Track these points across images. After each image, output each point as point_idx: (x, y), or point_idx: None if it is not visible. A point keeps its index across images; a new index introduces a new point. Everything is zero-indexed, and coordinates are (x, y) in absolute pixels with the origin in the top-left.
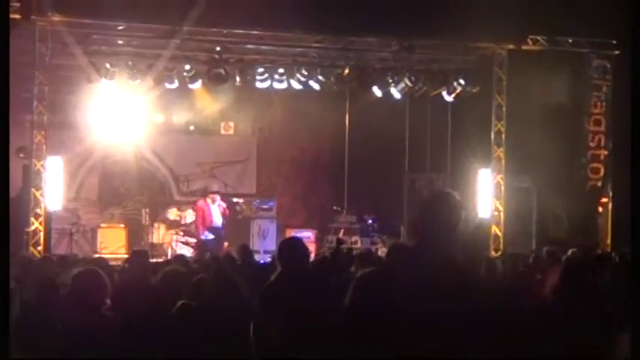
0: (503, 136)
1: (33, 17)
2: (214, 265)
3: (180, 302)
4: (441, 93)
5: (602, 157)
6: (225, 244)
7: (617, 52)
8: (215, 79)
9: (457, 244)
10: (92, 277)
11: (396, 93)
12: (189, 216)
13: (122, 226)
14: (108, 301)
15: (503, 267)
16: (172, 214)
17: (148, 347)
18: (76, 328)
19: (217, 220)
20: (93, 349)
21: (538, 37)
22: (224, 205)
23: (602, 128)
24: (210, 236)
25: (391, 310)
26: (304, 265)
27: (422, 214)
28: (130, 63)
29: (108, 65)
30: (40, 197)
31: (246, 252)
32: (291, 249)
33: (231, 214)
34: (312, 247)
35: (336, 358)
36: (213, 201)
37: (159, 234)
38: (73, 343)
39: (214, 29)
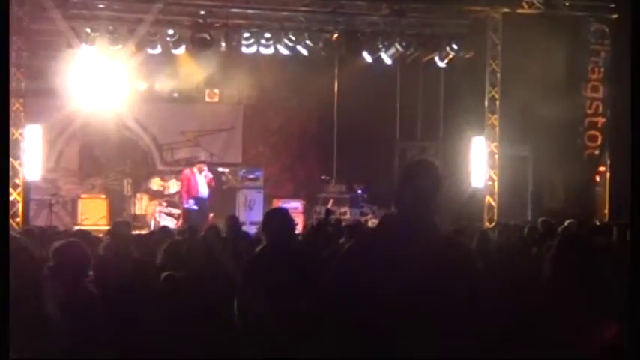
0: (498, 103)
1: None
2: (198, 238)
3: (165, 273)
4: (433, 58)
5: (599, 125)
6: (211, 215)
7: (615, 15)
8: (199, 45)
9: (439, 214)
10: (74, 250)
11: (386, 58)
12: (173, 186)
13: (103, 197)
14: (90, 273)
15: (498, 238)
16: (155, 184)
17: (133, 319)
18: (59, 301)
19: (203, 190)
20: (77, 321)
21: (534, 0)
22: (210, 175)
23: (600, 95)
24: (194, 207)
25: (372, 286)
26: (290, 237)
27: (399, 184)
28: (110, 28)
29: (88, 30)
30: (18, 167)
31: (235, 223)
32: (276, 220)
33: (217, 185)
34: (300, 218)
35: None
36: (200, 171)
37: (141, 205)
38: (56, 317)
39: None
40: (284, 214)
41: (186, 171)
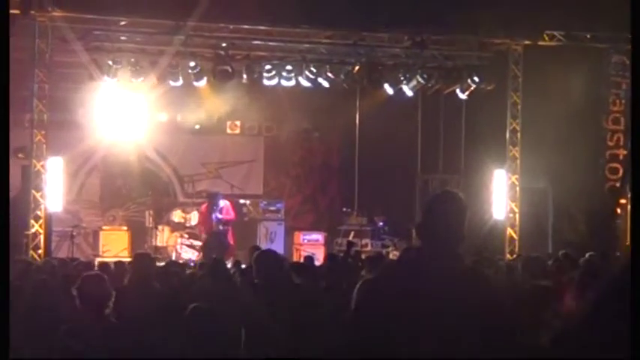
0: (519, 135)
1: (32, 12)
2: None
3: (192, 305)
4: (454, 90)
5: (621, 157)
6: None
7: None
8: (221, 77)
9: (464, 245)
10: (97, 282)
11: (408, 90)
12: (194, 218)
13: (125, 228)
14: (110, 305)
15: (521, 270)
16: (177, 216)
17: (154, 351)
18: (82, 333)
19: (219, 223)
20: (99, 353)
21: (555, 33)
22: (228, 204)
23: (621, 127)
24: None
25: (393, 321)
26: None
27: (424, 215)
28: (132, 60)
29: (110, 62)
30: (40, 199)
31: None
32: (266, 260)
33: (237, 217)
34: (321, 250)
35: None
36: (214, 210)
37: (163, 236)
38: (78, 348)
39: (220, 24)
40: (273, 254)
41: (205, 205)
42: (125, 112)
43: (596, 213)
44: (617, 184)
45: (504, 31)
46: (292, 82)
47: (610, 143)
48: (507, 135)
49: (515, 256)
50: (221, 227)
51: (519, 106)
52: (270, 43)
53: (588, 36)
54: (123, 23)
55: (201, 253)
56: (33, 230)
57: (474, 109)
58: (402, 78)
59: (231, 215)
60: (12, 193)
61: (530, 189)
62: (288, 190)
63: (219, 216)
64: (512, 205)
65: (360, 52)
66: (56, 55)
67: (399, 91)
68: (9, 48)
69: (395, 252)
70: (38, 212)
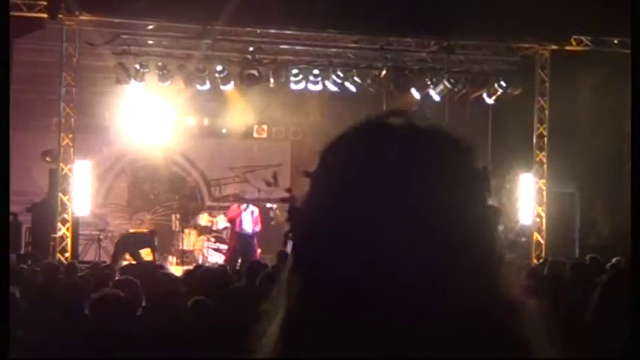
0: (546, 139)
1: (60, 16)
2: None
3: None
4: (481, 95)
5: None
6: (259, 251)
7: None
8: (248, 81)
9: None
10: (129, 287)
11: (434, 95)
12: (221, 222)
13: None
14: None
15: (547, 274)
16: (204, 219)
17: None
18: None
19: (247, 227)
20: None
21: (582, 38)
22: (256, 213)
23: None
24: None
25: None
26: None
27: None
28: (160, 64)
29: (137, 66)
30: (67, 202)
31: (286, 258)
32: None
33: (264, 221)
34: None
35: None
36: (244, 209)
37: (189, 240)
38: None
39: (247, 29)
40: None
41: (233, 206)
42: (152, 116)
43: (623, 217)
44: None
45: (531, 35)
46: (319, 87)
47: None
48: (534, 140)
49: (541, 260)
50: (250, 230)
51: (546, 111)
52: (297, 48)
53: (616, 41)
54: (150, 27)
55: (227, 254)
56: (60, 233)
57: (500, 113)
58: (428, 82)
59: (259, 226)
60: (40, 197)
61: (558, 194)
62: None
63: (249, 230)
64: (539, 209)
65: (387, 57)
66: (83, 59)
67: (425, 96)
68: (9, 48)
69: None
70: (65, 215)
